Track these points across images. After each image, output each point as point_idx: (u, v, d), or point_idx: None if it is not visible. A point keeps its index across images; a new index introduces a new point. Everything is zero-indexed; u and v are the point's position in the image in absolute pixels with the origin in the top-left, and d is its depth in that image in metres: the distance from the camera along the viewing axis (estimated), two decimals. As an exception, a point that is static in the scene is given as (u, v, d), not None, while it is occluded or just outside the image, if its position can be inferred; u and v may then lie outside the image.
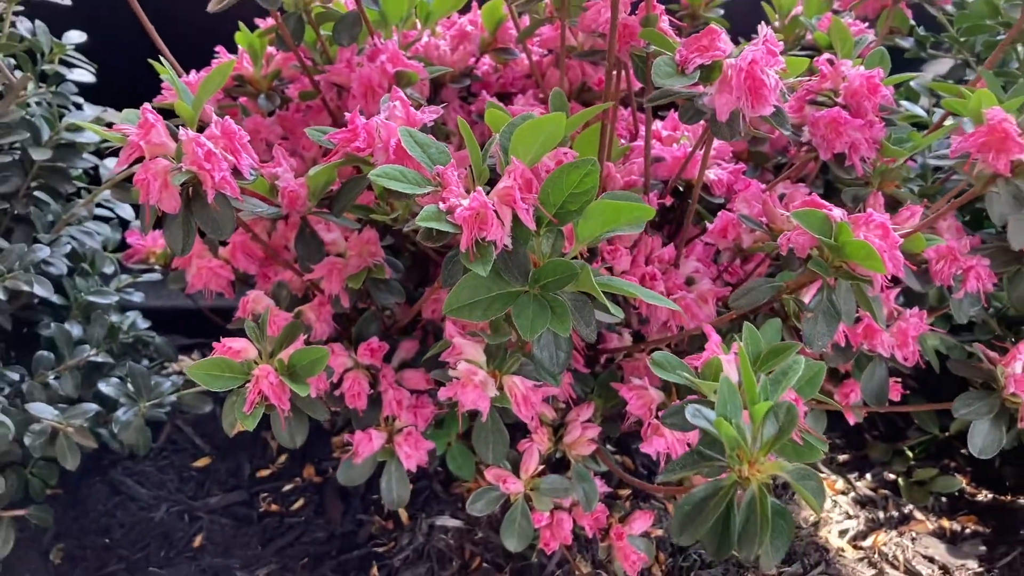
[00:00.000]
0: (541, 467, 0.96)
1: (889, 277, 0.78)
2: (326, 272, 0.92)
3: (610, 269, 0.96)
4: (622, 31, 0.93)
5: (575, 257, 0.72)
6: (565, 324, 0.69)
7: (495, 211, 0.67)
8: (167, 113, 0.84)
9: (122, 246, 1.34)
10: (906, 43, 1.45)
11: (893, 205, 1.01)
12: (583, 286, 0.70)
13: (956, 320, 1.06)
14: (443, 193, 0.68)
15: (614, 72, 1.00)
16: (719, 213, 0.99)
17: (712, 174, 1.06)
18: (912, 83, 1.33)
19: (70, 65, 1.29)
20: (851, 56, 1.02)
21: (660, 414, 0.80)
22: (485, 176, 0.72)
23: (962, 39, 1.38)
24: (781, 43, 1.34)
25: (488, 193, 0.68)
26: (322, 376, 0.86)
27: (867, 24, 1.24)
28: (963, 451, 1.50)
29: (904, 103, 1.29)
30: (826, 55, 1.01)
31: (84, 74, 1.31)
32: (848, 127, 0.93)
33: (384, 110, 0.81)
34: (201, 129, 0.76)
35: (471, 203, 0.66)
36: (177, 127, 0.76)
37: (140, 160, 0.75)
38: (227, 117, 0.76)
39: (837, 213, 0.76)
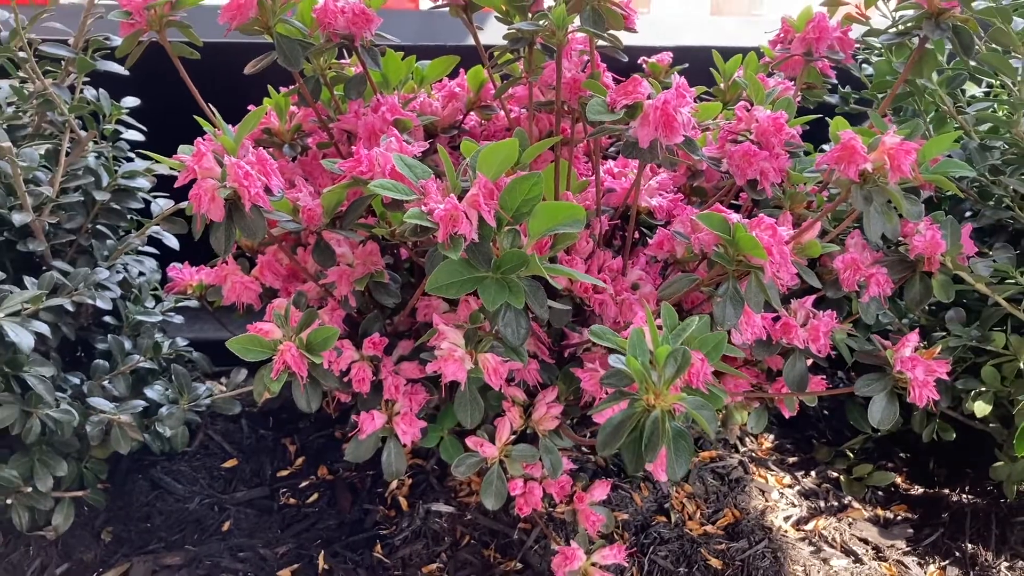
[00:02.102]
0: (513, 439, 1.13)
1: (777, 268, 0.96)
2: (337, 277, 1.12)
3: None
4: (571, 83, 1.14)
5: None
6: (519, 299, 0.88)
7: (464, 212, 0.86)
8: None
9: (163, 283, 1.54)
10: (833, 99, 1.67)
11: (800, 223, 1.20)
12: (533, 271, 0.88)
13: (864, 320, 1.25)
14: (425, 199, 0.88)
15: (577, 123, 1.23)
16: (657, 230, 1.18)
17: (655, 201, 1.26)
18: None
19: (126, 125, 1.51)
20: (764, 103, 1.22)
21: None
22: (458, 189, 0.91)
23: (879, 95, 1.59)
24: (719, 100, 1.56)
25: (460, 200, 0.88)
26: (332, 353, 1.04)
27: (793, 82, 1.45)
28: (901, 454, 1.66)
29: (826, 147, 1.49)
30: (743, 102, 1.21)
31: (136, 135, 1.53)
32: (757, 158, 1.12)
33: (383, 145, 1.02)
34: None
35: (446, 206, 0.85)
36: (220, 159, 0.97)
37: (193, 182, 0.95)
38: (260, 148, 0.96)
39: (735, 217, 0.96)
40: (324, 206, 1.05)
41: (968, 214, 1.47)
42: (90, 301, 1.26)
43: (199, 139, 0.95)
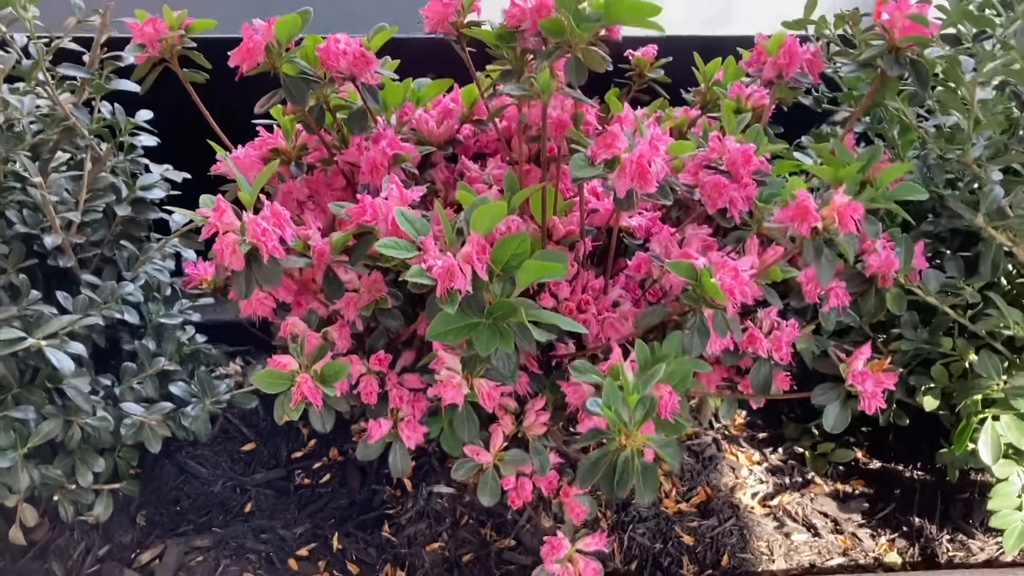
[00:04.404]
0: (505, 444, 1.25)
1: (739, 305, 1.07)
2: (345, 304, 1.21)
3: (555, 295, 1.25)
4: (557, 123, 1.22)
5: (521, 295, 1.01)
6: (509, 343, 0.98)
7: (460, 268, 0.96)
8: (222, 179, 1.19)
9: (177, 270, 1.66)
10: (807, 101, 1.74)
11: (767, 243, 1.30)
12: (520, 318, 0.99)
13: (825, 327, 1.35)
14: (424, 256, 0.98)
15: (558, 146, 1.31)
16: (636, 253, 1.27)
17: (635, 221, 1.35)
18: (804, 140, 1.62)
19: (142, 130, 1.58)
20: (735, 133, 1.30)
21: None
22: (454, 242, 1.00)
23: (853, 94, 1.66)
24: (699, 108, 1.64)
25: (456, 254, 0.97)
26: (344, 381, 1.15)
27: (769, 88, 1.52)
28: (863, 429, 1.79)
29: (797, 154, 1.58)
30: (715, 133, 1.29)
31: (149, 139, 1.60)
32: (727, 189, 1.21)
33: (384, 189, 1.11)
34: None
35: (443, 264, 0.95)
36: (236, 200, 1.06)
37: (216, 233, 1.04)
38: (275, 202, 1.05)
39: (700, 262, 1.05)
40: (332, 246, 1.15)
41: (930, 216, 1.56)
42: (118, 315, 1.36)
43: (219, 196, 1.04)
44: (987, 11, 1.19)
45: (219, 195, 1.05)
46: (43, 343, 1.19)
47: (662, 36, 2.09)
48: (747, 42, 1.47)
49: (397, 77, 1.33)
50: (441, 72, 1.48)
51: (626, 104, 1.53)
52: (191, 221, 1.50)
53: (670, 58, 1.67)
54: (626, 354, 1.10)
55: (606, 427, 0.94)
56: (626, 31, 1.53)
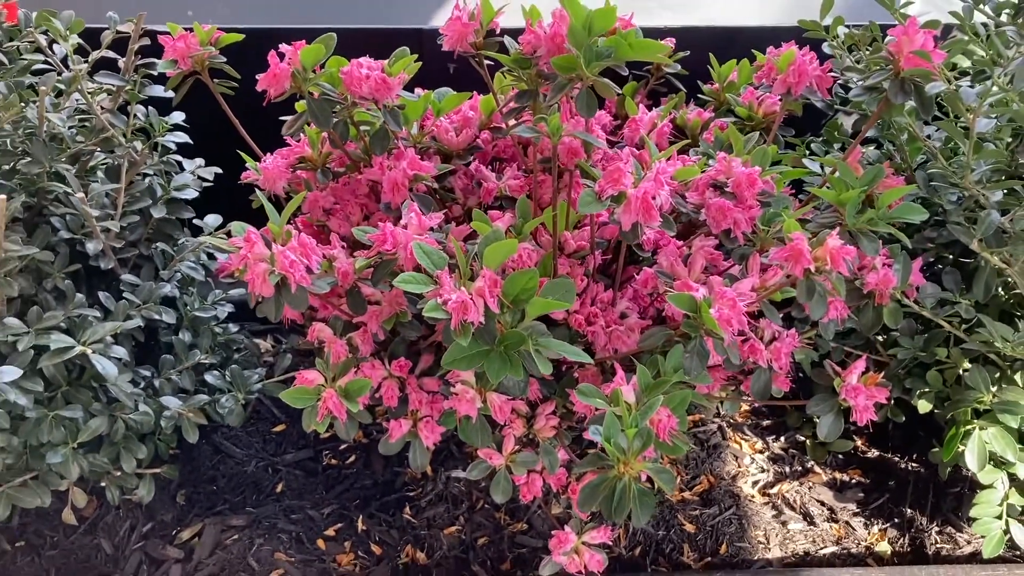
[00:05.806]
0: (518, 448, 1.34)
1: (737, 332, 1.13)
2: (367, 318, 1.29)
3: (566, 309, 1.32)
4: (569, 150, 1.27)
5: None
6: (519, 371, 1.05)
7: (473, 301, 1.03)
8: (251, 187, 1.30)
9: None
10: (819, 104, 1.76)
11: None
12: (529, 347, 1.06)
13: (824, 336, 1.41)
14: (440, 290, 1.04)
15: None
16: (643, 270, 1.33)
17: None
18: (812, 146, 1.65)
19: (176, 128, 1.64)
20: (742, 154, 1.34)
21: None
22: (468, 275, 1.07)
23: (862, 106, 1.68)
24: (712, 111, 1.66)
25: (470, 287, 1.04)
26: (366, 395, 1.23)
27: (779, 97, 1.55)
28: (864, 417, 1.85)
29: (805, 160, 1.61)
30: (722, 153, 1.33)
31: (181, 135, 1.67)
32: (732, 212, 1.26)
33: (404, 216, 1.17)
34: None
35: (457, 298, 1.02)
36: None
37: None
38: (302, 233, 1.12)
39: (700, 293, 1.11)
40: (356, 268, 1.22)
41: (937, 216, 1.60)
42: (157, 317, 1.45)
43: (250, 229, 1.11)
44: (989, 45, 1.21)
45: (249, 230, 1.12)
46: (88, 349, 1.28)
47: (680, 28, 2.12)
48: (765, 34, 1.49)
49: (414, 97, 1.38)
50: (462, 63, 1.52)
51: (641, 107, 1.58)
52: (223, 224, 1.58)
53: (687, 52, 1.69)
54: (632, 367, 1.17)
55: (605, 453, 1.02)
56: (642, 23, 1.56)
